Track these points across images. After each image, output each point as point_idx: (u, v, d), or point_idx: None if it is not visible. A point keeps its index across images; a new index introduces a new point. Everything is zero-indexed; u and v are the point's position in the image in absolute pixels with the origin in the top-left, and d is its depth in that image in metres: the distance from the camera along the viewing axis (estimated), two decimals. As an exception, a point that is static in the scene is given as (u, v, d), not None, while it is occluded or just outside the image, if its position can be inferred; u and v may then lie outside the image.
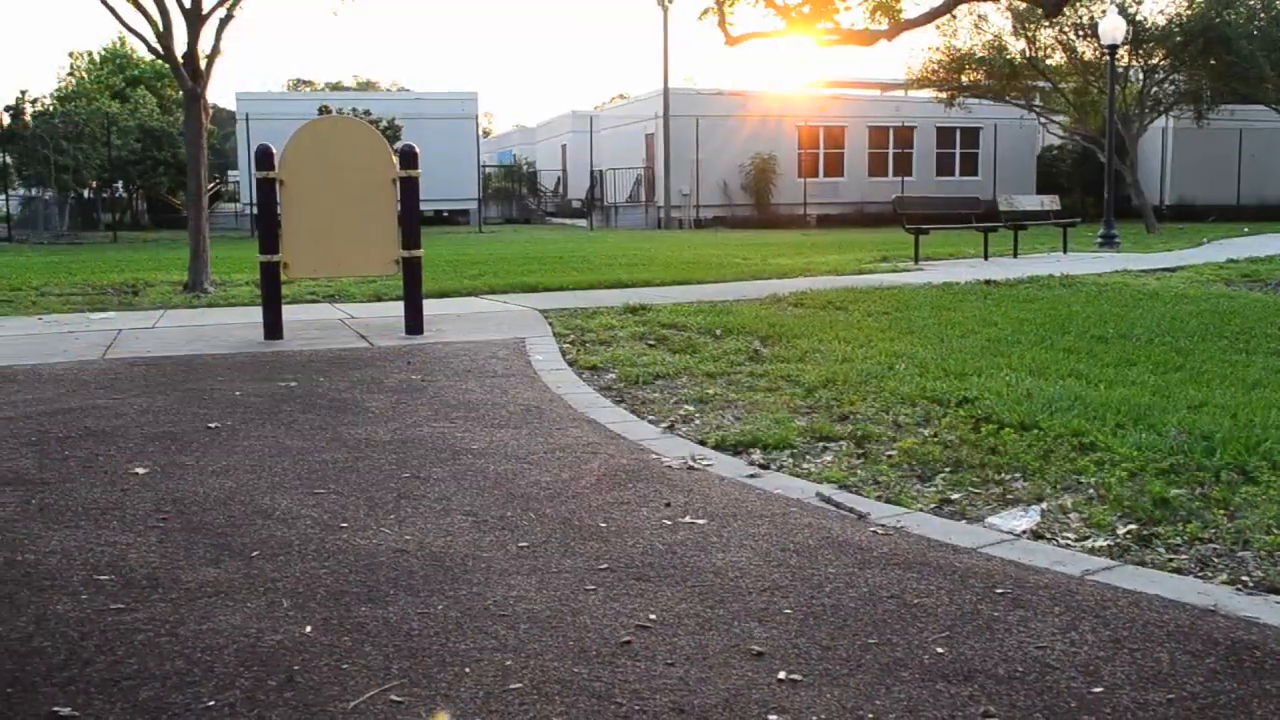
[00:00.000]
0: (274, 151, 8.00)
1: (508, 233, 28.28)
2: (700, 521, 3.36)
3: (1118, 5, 21.16)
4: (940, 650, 2.40)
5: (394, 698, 2.15)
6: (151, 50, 11.98)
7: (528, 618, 2.57)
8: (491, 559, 3.00)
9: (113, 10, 11.71)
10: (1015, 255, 15.67)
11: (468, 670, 2.28)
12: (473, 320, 8.95)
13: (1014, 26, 23.72)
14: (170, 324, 8.90)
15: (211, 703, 2.13)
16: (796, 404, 5.30)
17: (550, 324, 8.37)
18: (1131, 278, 12.24)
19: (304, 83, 60.58)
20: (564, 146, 38.27)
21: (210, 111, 12.57)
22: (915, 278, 12.32)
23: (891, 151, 32.59)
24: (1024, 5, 21.18)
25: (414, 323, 8.13)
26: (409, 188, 8.14)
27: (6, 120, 25.30)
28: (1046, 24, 22.80)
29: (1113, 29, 17.65)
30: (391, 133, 25.30)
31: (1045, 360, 6.36)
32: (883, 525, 3.37)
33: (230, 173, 37.72)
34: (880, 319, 8.44)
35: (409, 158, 8.14)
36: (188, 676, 2.25)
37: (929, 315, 8.59)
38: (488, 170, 35.50)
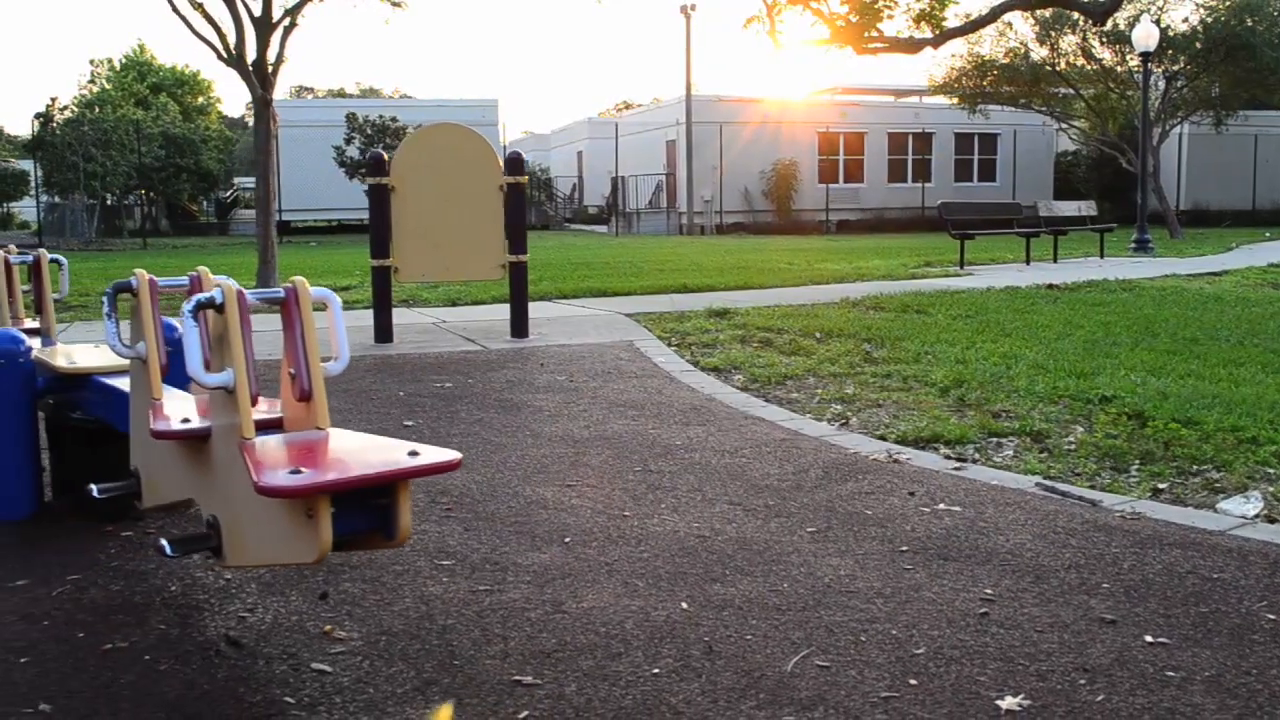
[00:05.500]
0: (386, 158, 8.20)
1: (533, 238, 28.39)
2: (956, 509, 3.57)
3: (1145, 13, 21.54)
4: (1271, 617, 2.62)
5: (819, 662, 2.35)
6: (221, 58, 12.20)
7: (874, 594, 2.77)
8: (793, 544, 3.20)
9: (186, 21, 11.91)
10: (1056, 260, 15.94)
11: (864, 639, 2.48)
12: (565, 324, 9.13)
13: (1038, 34, 24.08)
14: (265, 327, 9.03)
15: (656, 670, 2.33)
16: (936, 402, 5.52)
17: (646, 328, 8.56)
18: (1184, 281, 12.52)
19: (305, 89, 60.58)
20: (580, 153, 38.49)
21: (278, 118, 12.78)
22: (971, 282, 12.56)
23: (911, 158, 32.85)
24: (1050, 13, 21.51)
25: (520, 326, 8.32)
26: (515, 194, 8.35)
27: (36, 127, 25.41)
28: (1070, 31, 23.16)
29: (1145, 36, 17.99)
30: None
31: (1154, 361, 6.60)
32: (1120, 511, 3.58)
33: (239, 179, 37.80)
34: (966, 321, 8.67)
35: (515, 165, 8.35)
36: (610, 649, 2.44)
37: (1012, 318, 8.83)
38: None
